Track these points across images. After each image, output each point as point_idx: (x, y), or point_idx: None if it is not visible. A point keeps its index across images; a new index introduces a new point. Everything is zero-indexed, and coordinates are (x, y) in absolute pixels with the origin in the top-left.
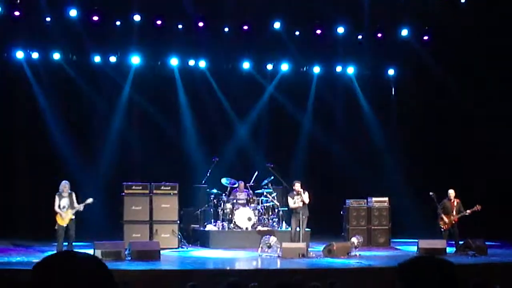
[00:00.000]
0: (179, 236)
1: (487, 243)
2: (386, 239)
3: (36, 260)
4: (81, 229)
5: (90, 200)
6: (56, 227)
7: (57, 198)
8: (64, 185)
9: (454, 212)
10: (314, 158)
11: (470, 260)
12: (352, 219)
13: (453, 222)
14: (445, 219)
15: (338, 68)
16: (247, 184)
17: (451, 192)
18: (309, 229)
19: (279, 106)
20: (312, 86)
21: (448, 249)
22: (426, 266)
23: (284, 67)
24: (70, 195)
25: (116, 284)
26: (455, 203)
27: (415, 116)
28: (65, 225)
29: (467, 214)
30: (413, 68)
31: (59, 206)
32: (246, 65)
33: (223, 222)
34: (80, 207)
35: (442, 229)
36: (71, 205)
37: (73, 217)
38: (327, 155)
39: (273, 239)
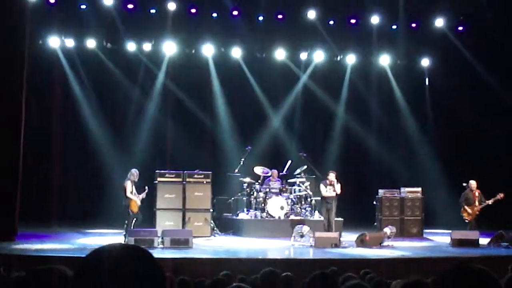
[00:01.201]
0: (212, 225)
1: None
2: (419, 229)
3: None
4: (115, 217)
5: (146, 190)
6: (130, 214)
7: (129, 184)
8: (134, 172)
9: (477, 203)
10: (348, 147)
11: (503, 251)
12: (384, 209)
13: (477, 212)
14: (468, 210)
15: (373, 58)
16: (280, 174)
17: (473, 183)
18: (341, 219)
19: (313, 96)
20: (346, 76)
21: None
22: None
23: (318, 56)
24: (134, 183)
25: (165, 277)
26: (477, 194)
27: (449, 107)
28: (136, 211)
29: (490, 203)
30: (447, 59)
31: (131, 192)
32: (280, 54)
33: (256, 211)
34: (143, 195)
35: (466, 220)
36: (136, 193)
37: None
38: (360, 145)
39: (305, 229)
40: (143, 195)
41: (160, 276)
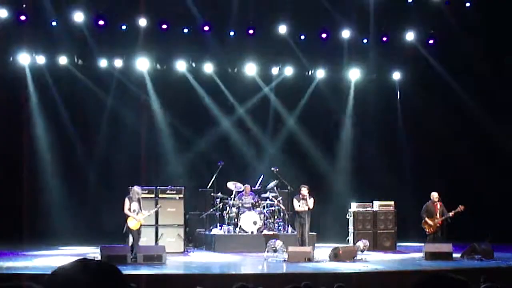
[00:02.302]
0: (185, 241)
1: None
2: (392, 243)
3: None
4: (87, 233)
5: (159, 207)
6: (124, 230)
7: (127, 201)
8: (136, 190)
9: (438, 215)
10: (320, 161)
11: (476, 264)
12: (358, 223)
13: (438, 225)
14: (429, 222)
15: (343, 72)
16: (252, 188)
17: (435, 195)
18: (314, 233)
19: (283, 110)
20: (315, 90)
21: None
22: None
23: (289, 70)
24: (139, 200)
25: None
26: (439, 206)
27: (420, 120)
28: (135, 229)
29: (450, 216)
30: (418, 72)
31: (129, 209)
32: (251, 68)
33: (229, 226)
34: (149, 213)
35: (427, 233)
36: (140, 210)
37: (143, 221)
38: (332, 159)
39: (278, 243)
40: (149, 212)
41: None
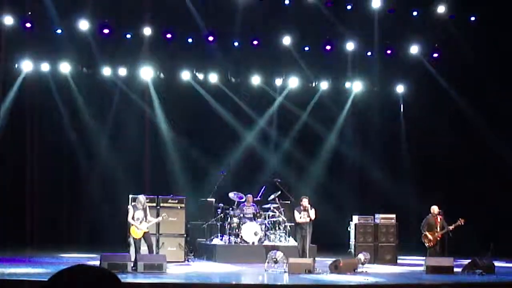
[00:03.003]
0: (186, 250)
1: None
2: (393, 256)
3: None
4: (89, 241)
5: (164, 216)
6: (129, 240)
7: (131, 210)
8: (140, 199)
9: (438, 229)
10: (322, 173)
11: (477, 278)
12: (359, 236)
13: (438, 238)
14: (429, 236)
15: (347, 84)
16: (254, 199)
17: (435, 208)
18: (314, 245)
19: (287, 121)
20: (322, 101)
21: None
22: None
23: (293, 82)
24: (144, 209)
25: None
26: (439, 219)
27: (424, 133)
28: (138, 238)
29: (450, 229)
30: (422, 85)
31: (132, 218)
32: (255, 79)
33: (230, 237)
34: (156, 220)
35: (427, 246)
36: (145, 219)
37: (147, 230)
38: (335, 171)
39: (279, 254)
40: (155, 220)
41: None
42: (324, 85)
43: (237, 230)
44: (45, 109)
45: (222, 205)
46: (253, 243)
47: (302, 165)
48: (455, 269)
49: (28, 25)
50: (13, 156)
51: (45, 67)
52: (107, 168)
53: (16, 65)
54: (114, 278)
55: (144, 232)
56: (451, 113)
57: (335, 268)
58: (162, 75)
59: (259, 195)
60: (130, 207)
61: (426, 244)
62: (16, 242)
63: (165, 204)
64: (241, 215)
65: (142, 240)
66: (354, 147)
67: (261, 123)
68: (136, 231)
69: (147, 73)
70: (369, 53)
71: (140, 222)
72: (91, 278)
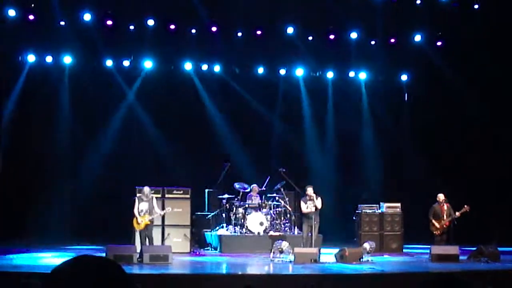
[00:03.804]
0: (191, 241)
1: (499, 249)
2: (399, 245)
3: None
4: (93, 233)
5: (169, 209)
6: (135, 231)
7: (136, 202)
8: (145, 190)
9: (445, 217)
10: (327, 163)
11: (483, 266)
12: (364, 225)
13: (444, 226)
14: (436, 224)
15: (351, 74)
16: (259, 189)
17: (441, 196)
18: (320, 235)
19: (293, 111)
20: (325, 91)
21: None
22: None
23: (298, 71)
24: (150, 200)
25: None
26: (445, 208)
27: (428, 122)
28: (140, 229)
29: (456, 217)
30: (426, 74)
31: (137, 209)
32: (259, 70)
33: (235, 227)
34: (161, 212)
35: (435, 234)
36: (149, 211)
37: (149, 222)
38: (340, 160)
39: (285, 244)
40: (160, 212)
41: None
42: (329, 74)
43: (242, 221)
44: (49, 101)
45: (226, 196)
46: (258, 233)
47: (308, 154)
48: (461, 257)
49: (31, 17)
50: (14, 147)
51: (48, 59)
52: (112, 159)
53: (20, 57)
54: (119, 268)
55: (146, 224)
56: (455, 101)
57: (340, 257)
58: (165, 66)
59: (264, 185)
60: (136, 198)
61: (434, 232)
62: (16, 234)
63: (170, 195)
64: (246, 205)
65: (150, 232)
66: (359, 136)
67: (265, 113)
68: (137, 223)
69: (150, 64)
70: (372, 42)
71: (144, 214)
72: (94, 268)
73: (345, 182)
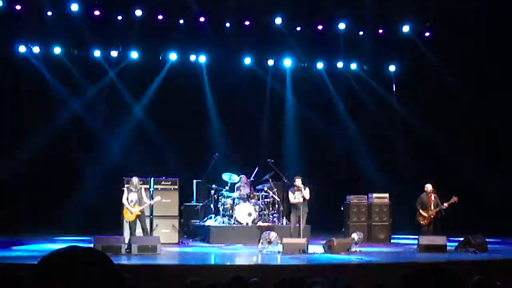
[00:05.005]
0: (180, 232)
1: (486, 239)
2: (387, 235)
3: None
4: (81, 223)
5: (158, 198)
6: (123, 222)
7: (125, 192)
8: (133, 181)
9: (432, 207)
10: (315, 153)
11: (470, 256)
12: (352, 215)
13: (432, 216)
14: (424, 214)
15: (339, 64)
16: (248, 180)
17: (429, 187)
18: (308, 225)
19: (280, 102)
20: (313, 82)
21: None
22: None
23: (286, 62)
24: (139, 191)
25: (122, 278)
26: (433, 198)
27: (416, 112)
28: (131, 220)
29: (444, 207)
30: (414, 64)
31: (127, 200)
32: (247, 60)
33: (223, 218)
34: (151, 202)
35: (422, 224)
36: (139, 201)
37: (140, 213)
38: (328, 151)
39: (273, 235)
40: (150, 202)
41: (116, 278)
42: (318, 65)
43: (230, 211)
44: (38, 91)
45: (215, 186)
46: (247, 224)
47: (296, 145)
48: (448, 248)
49: (18, 7)
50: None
51: (36, 50)
52: (101, 149)
53: (8, 49)
54: (106, 259)
55: (138, 215)
56: (444, 92)
57: (328, 248)
58: (153, 57)
59: (252, 176)
60: (124, 189)
61: (421, 222)
62: (7, 225)
63: (158, 186)
64: (235, 196)
65: (138, 223)
66: (346, 127)
67: (253, 103)
68: (128, 214)
69: (139, 54)
70: (361, 33)
71: (134, 205)
72: (82, 259)
73: (333, 173)
